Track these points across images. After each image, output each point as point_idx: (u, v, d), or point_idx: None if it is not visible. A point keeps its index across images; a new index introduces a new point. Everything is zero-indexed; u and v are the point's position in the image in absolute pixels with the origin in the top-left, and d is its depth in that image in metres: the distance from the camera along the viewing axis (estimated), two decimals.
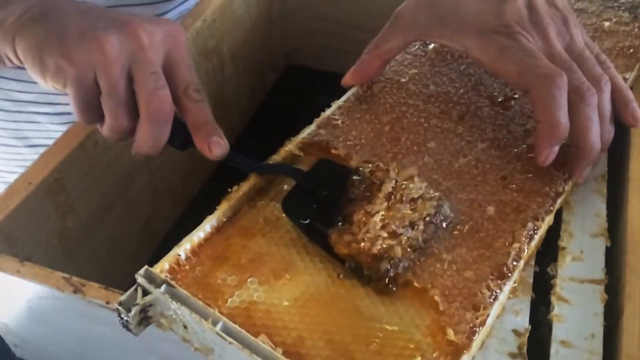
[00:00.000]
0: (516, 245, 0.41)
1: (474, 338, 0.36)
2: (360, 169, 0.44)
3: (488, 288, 0.38)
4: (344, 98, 0.52)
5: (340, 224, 0.41)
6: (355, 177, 0.43)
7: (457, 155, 0.47)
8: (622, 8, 0.61)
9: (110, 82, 0.42)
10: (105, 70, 0.41)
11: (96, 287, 0.40)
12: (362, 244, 0.39)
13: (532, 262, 0.42)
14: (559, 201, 0.44)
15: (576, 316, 0.39)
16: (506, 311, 0.39)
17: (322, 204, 0.42)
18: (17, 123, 0.69)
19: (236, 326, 0.35)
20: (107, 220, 0.56)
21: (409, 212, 0.40)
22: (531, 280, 0.41)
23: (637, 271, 0.40)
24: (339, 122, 0.50)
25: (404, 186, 0.42)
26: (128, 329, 0.37)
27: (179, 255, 0.40)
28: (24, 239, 0.47)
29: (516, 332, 0.38)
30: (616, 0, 0.62)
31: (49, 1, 0.45)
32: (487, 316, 0.37)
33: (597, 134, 0.44)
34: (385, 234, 0.39)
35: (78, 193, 0.52)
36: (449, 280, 0.39)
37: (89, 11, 0.44)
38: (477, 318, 0.37)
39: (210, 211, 0.42)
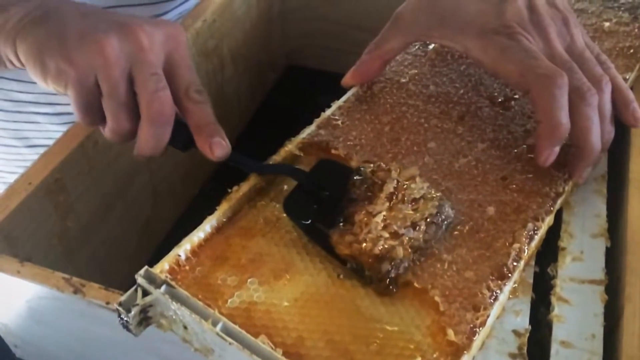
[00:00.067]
0: (516, 245, 0.41)
1: (474, 338, 0.36)
2: (362, 168, 0.43)
3: (488, 288, 0.38)
4: (344, 98, 0.52)
5: (341, 224, 0.41)
6: (356, 177, 0.43)
7: (457, 155, 0.47)
8: (622, 8, 0.61)
9: (111, 84, 0.42)
10: (105, 72, 0.41)
11: (96, 288, 0.40)
12: (364, 244, 0.39)
13: (532, 263, 0.42)
14: (559, 201, 0.44)
15: (576, 316, 0.39)
16: (506, 311, 0.39)
17: (324, 204, 0.42)
18: (17, 123, 0.69)
19: (236, 327, 0.35)
20: (107, 220, 0.56)
21: (411, 212, 0.40)
22: (531, 281, 0.41)
23: (637, 271, 0.40)
24: (339, 122, 0.50)
25: (405, 186, 0.42)
26: (128, 330, 0.37)
27: (179, 255, 0.40)
28: (24, 239, 0.47)
29: (516, 333, 0.38)
30: (616, 0, 0.62)
31: (49, 3, 0.45)
32: (488, 317, 0.37)
33: (598, 134, 0.44)
34: (387, 235, 0.39)
35: (78, 193, 0.52)
36: (449, 281, 0.39)
37: (90, 13, 0.44)
38: (477, 318, 0.37)
39: (210, 211, 0.42)
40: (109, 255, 0.57)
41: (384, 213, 0.40)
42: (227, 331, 0.35)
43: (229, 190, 0.44)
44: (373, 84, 0.53)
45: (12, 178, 0.48)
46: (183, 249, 0.40)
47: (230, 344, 0.34)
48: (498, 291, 0.38)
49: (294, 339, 0.36)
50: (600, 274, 0.41)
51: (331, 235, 0.40)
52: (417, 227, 0.40)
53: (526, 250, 0.41)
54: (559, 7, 0.48)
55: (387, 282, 0.38)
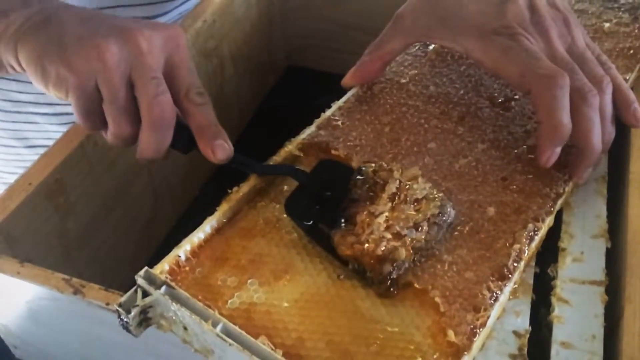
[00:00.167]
0: (517, 246, 0.41)
1: (475, 339, 0.36)
2: (363, 168, 0.43)
3: (488, 289, 0.38)
4: (344, 99, 0.52)
5: (343, 224, 0.40)
6: (358, 177, 0.43)
7: (458, 156, 0.47)
8: (622, 9, 0.61)
9: (111, 89, 0.42)
10: (105, 77, 0.41)
11: (96, 289, 0.40)
12: (366, 245, 0.38)
13: (533, 263, 0.42)
14: (559, 202, 0.44)
15: (576, 317, 0.39)
16: (506, 312, 0.39)
17: (325, 205, 0.42)
18: (16, 124, 0.69)
19: (236, 327, 0.35)
20: (107, 221, 0.56)
21: (413, 213, 0.40)
22: (531, 282, 0.41)
23: (638, 272, 0.39)
24: (339, 122, 0.50)
25: (408, 186, 0.41)
26: (128, 330, 0.37)
27: (179, 256, 0.40)
28: (24, 240, 0.47)
29: (516, 334, 0.38)
30: (616, 1, 0.62)
31: (49, 8, 0.45)
32: (488, 317, 0.37)
33: (599, 135, 0.44)
34: (389, 235, 0.39)
35: (78, 194, 0.52)
36: (450, 282, 0.39)
37: (89, 17, 0.44)
38: (477, 319, 0.37)
39: (210, 212, 0.42)
40: (109, 256, 0.57)
41: (387, 213, 0.40)
42: (227, 332, 0.35)
43: (229, 191, 0.44)
44: (373, 84, 0.53)
45: (11, 178, 0.48)
46: (183, 250, 0.40)
47: (230, 344, 0.34)
48: (498, 292, 0.38)
49: (294, 339, 0.36)
50: (601, 274, 0.41)
51: (333, 236, 0.40)
52: (420, 228, 0.40)
53: (526, 251, 0.41)
54: (559, 8, 0.48)
55: (388, 283, 0.38)
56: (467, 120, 0.50)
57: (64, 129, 0.52)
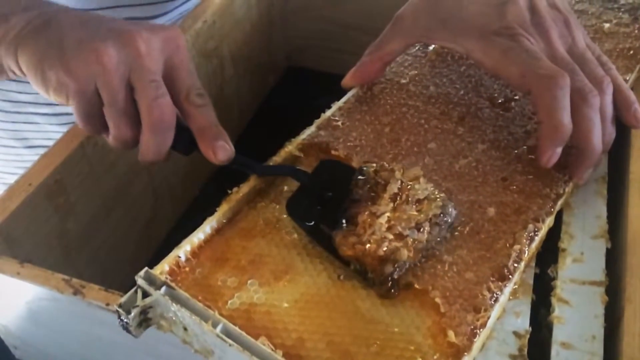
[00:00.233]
0: (517, 246, 0.41)
1: (475, 340, 0.36)
2: (364, 168, 0.43)
3: (489, 290, 0.38)
4: (344, 99, 0.52)
5: (344, 225, 0.40)
6: (359, 177, 0.42)
7: (458, 156, 0.47)
8: (622, 10, 0.61)
9: (111, 92, 0.42)
10: (105, 81, 0.41)
11: (96, 289, 0.40)
12: (368, 245, 0.38)
13: (533, 264, 0.42)
14: (559, 203, 0.44)
15: (577, 318, 0.39)
16: (507, 313, 0.39)
17: (327, 205, 0.42)
18: (15, 124, 0.69)
19: (236, 328, 0.35)
20: (107, 221, 0.56)
21: (415, 213, 0.40)
22: (532, 282, 0.41)
23: (638, 273, 0.39)
24: (339, 123, 0.50)
25: (409, 187, 0.41)
26: (128, 331, 0.37)
27: (179, 256, 0.40)
28: (24, 241, 0.47)
29: (517, 334, 0.38)
30: (616, 1, 0.62)
31: (49, 12, 0.45)
32: (488, 318, 0.37)
33: (599, 135, 0.44)
34: (391, 236, 0.39)
35: (78, 194, 0.52)
36: (450, 282, 0.39)
37: (89, 21, 0.44)
38: (477, 320, 0.37)
39: (210, 213, 0.42)
40: (108, 257, 0.57)
41: (388, 214, 0.40)
42: (227, 332, 0.35)
43: (229, 192, 0.43)
44: (373, 85, 0.53)
45: (11, 179, 0.48)
46: (183, 250, 0.40)
47: (230, 345, 0.34)
48: (498, 292, 0.38)
49: (294, 340, 0.36)
50: (601, 275, 0.41)
51: (334, 237, 0.40)
52: (422, 229, 0.40)
53: (527, 252, 0.41)
54: (560, 9, 0.48)
55: (389, 285, 0.38)
56: (467, 121, 0.50)
57: (64, 129, 0.52)
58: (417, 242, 0.39)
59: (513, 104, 0.52)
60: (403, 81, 0.54)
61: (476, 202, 0.44)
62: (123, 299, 0.37)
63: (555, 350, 0.37)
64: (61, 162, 0.49)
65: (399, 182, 0.41)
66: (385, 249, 0.38)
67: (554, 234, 0.44)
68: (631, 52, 0.56)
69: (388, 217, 0.40)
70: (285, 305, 0.38)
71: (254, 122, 0.79)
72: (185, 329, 0.37)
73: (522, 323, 0.39)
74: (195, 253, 0.40)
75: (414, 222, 0.40)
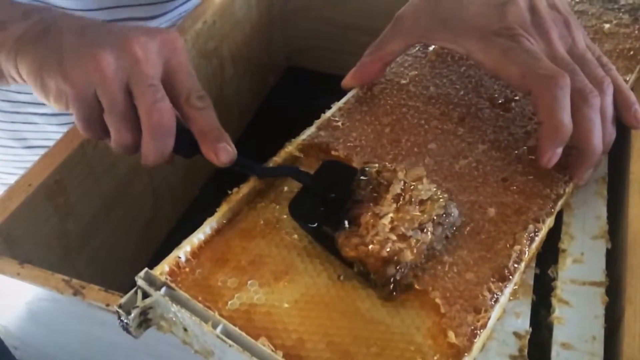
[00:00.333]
0: (517, 247, 0.41)
1: (475, 340, 0.36)
2: (367, 169, 0.43)
3: (489, 290, 0.38)
4: (344, 100, 0.52)
5: (346, 226, 0.40)
6: (361, 178, 0.42)
7: (458, 156, 0.47)
8: (622, 10, 0.61)
9: (110, 99, 0.42)
10: (103, 87, 0.42)
11: (96, 290, 0.40)
12: (371, 246, 0.38)
13: (533, 264, 0.42)
14: (559, 203, 0.44)
15: (577, 318, 0.39)
16: (507, 313, 0.39)
17: (329, 206, 0.42)
18: (14, 124, 0.69)
19: (236, 329, 0.35)
20: (107, 222, 0.56)
21: (418, 214, 0.40)
22: (532, 283, 0.41)
23: (638, 273, 0.39)
24: (339, 123, 0.50)
25: (412, 187, 0.41)
26: (128, 332, 0.37)
27: (179, 257, 0.40)
28: (23, 241, 0.47)
29: (517, 335, 0.38)
30: (616, 2, 0.62)
31: (48, 18, 0.45)
32: (488, 319, 0.37)
33: (600, 136, 0.44)
34: (394, 237, 0.38)
35: (78, 195, 0.52)
36: (450, 283, 0.39)
37: (87, 27, 0.44)
38: (478, 320, 0.37)
39: (210, 213, 0.42)
40: (108, 257, 0.57)
41: (391, 215, 0.40)
42: (227, 333, 0.35)
43: (229, 192, 0.43)
44: (373, 85, 0.53)
45: (10, 179, 0.49)
46: (183, 251, 0.40)
47: (230, 346, 0.34)
48: (499, 293, 0.38)
49: (294, 340, 0.36)
50: (601, 275, 0.41)
51: (337, 238, 0.39)
52: (425, 229, 0.39)
53: (527, 252, 0.41)
54: (560, 10, 0.48)
55: (391, 287, 0.38)
56: (467, 121, 0.50)
57: (63, 129, 0.52)
58: (421, 243, 0.39)
59: (513, 104, 0.52)
60: (403, 82, 0.54)
61: (476, 202, 0.44)
62: (123, 300, 0.37)
63: (555, 350, 0.37)
64: (61, 162, 0.49)
65: (402, 182, 0.41)
66: (388, 249, 0.38)
67: (554, 234, 0.44)
68: (631, 52, 0.56)
69: (391, 217, 0.39)
70: (286, 305, 0.38)
71: (254, 123, 0.79)
72: (185, 329, 0.37)
73: (523, 324, 0.39)
74: (195, 254, 0.40)
75: (417, 222, 0.39)
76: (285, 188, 0.45)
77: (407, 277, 0.39)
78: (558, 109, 0.43)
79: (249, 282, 0.39)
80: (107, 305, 0.39)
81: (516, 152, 0.47)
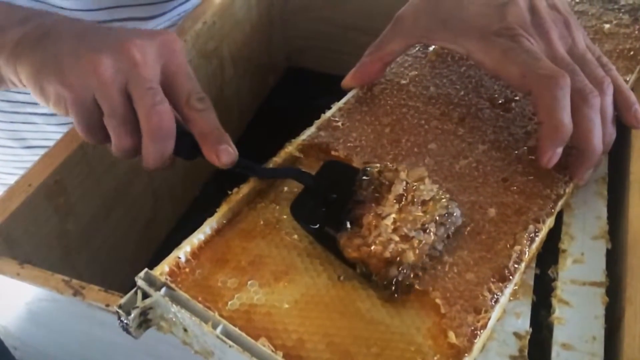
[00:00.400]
0: (517, 247, 0.41)
1: (475, 341, 0.36)
2: (368, 169, 0.43)
3: (489, 291, 0.38)
4: (344, 100, 0.52)
5: (348, 226, 0.40)
6: (363, 178, 0.42)
7: (458, 157, 0.47)
8: (622, 10, 0.61)
9: (109, 103, 0.42)
10: (102, 92, 0.42)
11: (96, 290, 0.40)
12: (373, 247, 0.38)
13: (533, 265, 0.42)
14: (560, 203, 0.44)
15: (577, 319, 0.39)
16: (507, 314, 0.39)
17: (331, 207, 0.42)
18: (14, 124, 0.69)
19: (236, 329, 0.35)
20: (107, 222, 0.56)
21: (421, 214, 0.40)
22: (532, 283, 0.41)
23: (638, 273, 0.39)
24: (339, 123, 0.50)
25: (415, 187, 0.41)
26: (128, 332, 0.37)
27: (179, 257, 0.39)
28: (23, 241, 0.47)
29: (517, 335, 0.38)
30: (616, 2, 0.62)
31: (47, 23, 0.45)
32: (489, 319, 0.37)
33: (600, 136, 0.44)
34: (397, 237, 0.38)
35: (78, 195, 0.52)
36: (450, 283, 0.39)
37: (85, 31, 0.44)
38: (478, 321, 0.37)
39: (210, 213, 0.42)
40: (108, 257, 0.57)
41: (394, 215, 0.39)
42: (227, 334, 0.35)
43: (229, 192, 0.43)
44: (373, 85, 0.53)
45: (9, 179, 0.48)
46: (183, 251, 0.40)
47: (230, 346, 0.34)
48: (499, 293, 0.38)
49: (294, 341, 0.36)
50: (601, 275, 0.41)
51: (339, 239, 0.39)
52: (427, 230, 0.39)
53: (527, 252, 0.41)
54: (560, 10, 0.48)
55: (393, 289, 0.38)
56: (467, 121, 0.50)
57: (63, 129, 0.52)
58: (423, 244, 0.39)
59: (513, 104, 0.52)
60: (403, 82, 0.54)
61: (477, 202, 0.44)
62: (123, 300, 0.36)
63: (555, 351, 0.37)
64: (61, 162, 0.49)
65: (404, 182, 0.41)
66: (391, 250, 0.38)
67: (554, 234, 0.44)
68: (631, 52, 0.56)
69: (394, 218, 0.39)
70: (286, 306, 0.38)
71: (254, 123, 0.79)
72: (185, 330, 0.37)
73: (523, 324, 0.39)
74: (195, 254, 0.40)
75: (419, 223, 0.39)
76: (285, 188, 0.45)
77: (408, 278, 0.39)
78: (558, 109, 0.43)
79: (249, 282, 0.39)
80: (107, 305, 0.39)
81: (516, 152, 0.47)
